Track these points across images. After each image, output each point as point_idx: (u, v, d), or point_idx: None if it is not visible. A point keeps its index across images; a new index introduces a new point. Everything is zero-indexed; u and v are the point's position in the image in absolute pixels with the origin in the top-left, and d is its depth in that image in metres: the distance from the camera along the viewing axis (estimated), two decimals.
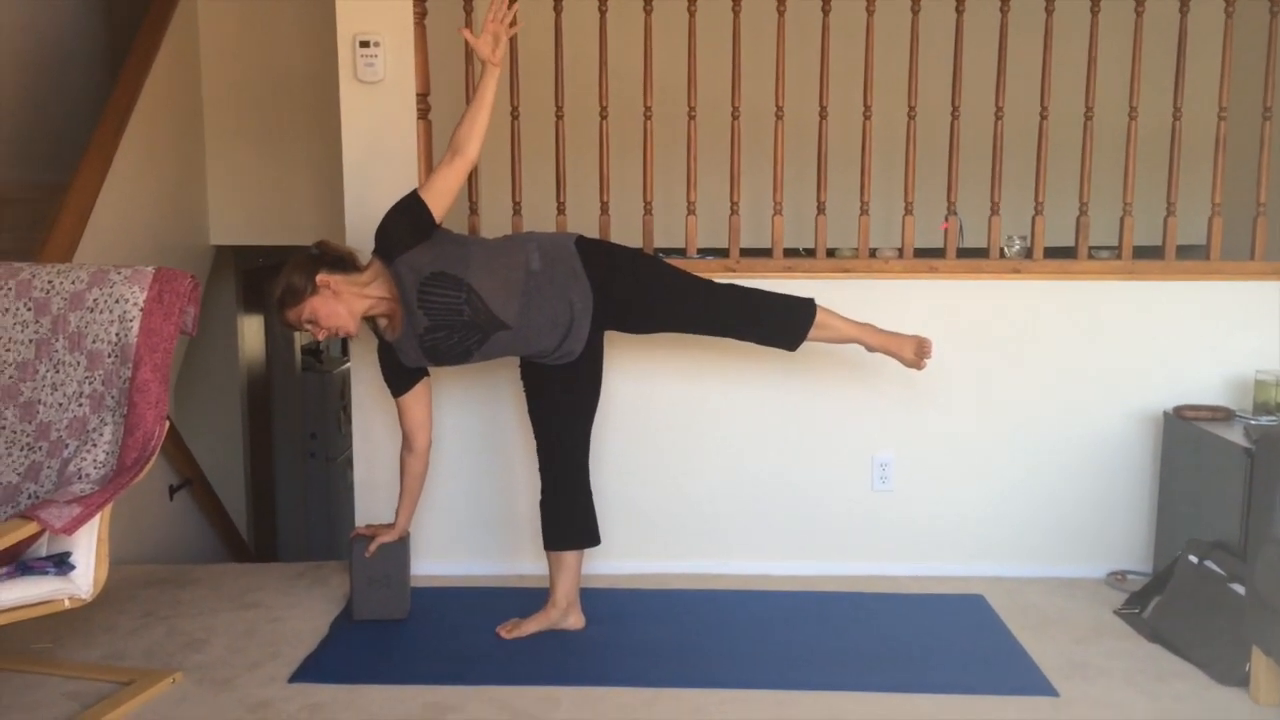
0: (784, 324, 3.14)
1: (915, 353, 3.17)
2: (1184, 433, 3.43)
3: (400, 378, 3.13)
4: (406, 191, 2.96)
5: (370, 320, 3.05)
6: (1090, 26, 3.56)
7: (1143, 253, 3.66)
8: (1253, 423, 3.31)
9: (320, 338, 3.00)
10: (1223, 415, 3.41)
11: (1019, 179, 3.82)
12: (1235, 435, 3.21)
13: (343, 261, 2.97)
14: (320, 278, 2.91)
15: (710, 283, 3.16)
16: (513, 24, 2.96)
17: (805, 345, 3.16)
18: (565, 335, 3.02)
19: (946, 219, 3.63)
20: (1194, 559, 3.17)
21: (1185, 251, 3.69)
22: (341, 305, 2.93)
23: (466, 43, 2.99)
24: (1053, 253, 3.65)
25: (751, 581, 3.59)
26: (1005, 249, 3.67)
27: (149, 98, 4.41)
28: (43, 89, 4.91)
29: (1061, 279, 3.59)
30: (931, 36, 3.63)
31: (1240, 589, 2.91)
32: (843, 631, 3.22)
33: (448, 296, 2.92)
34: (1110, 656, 3.05)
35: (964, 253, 3.66)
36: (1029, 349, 3.62)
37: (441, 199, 2.92)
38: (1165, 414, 3.55)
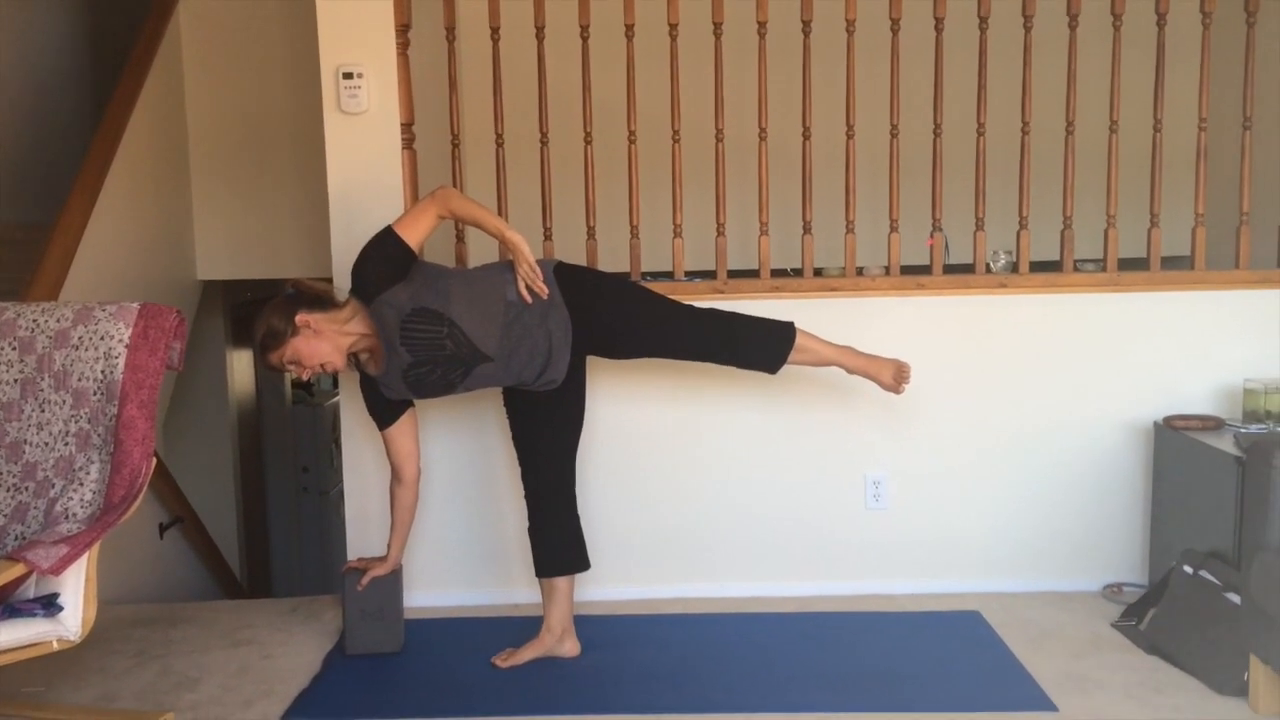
0: (764, 348, 3.14)
1: (894, 377, 3.18)
2: (1175, 443, 3.43)
3: (385, 411, 3.12)
4: (385, 225, 2.94)
5: (352, 356, 3.03)
6: (1069, 41, 3.58)
7: (1128, 265, 3.68)
8: (1243, 431, 3.31)
9: (305, 377, 2.98)
10: (1213, 424, 3.41)
11: (1003, 194, 3.84)
12: (1226, 444, 3.21)
13: (320, 300, 2.95)
14: (300, 317, 2.90)
15: (690, 307, 3.16)
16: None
17: (786, 368, 3.16)
18: (545, 364, 3.01)
19: (932, 235, 3.64)
20: (1189, 569, 3.16)
21: (1170, 262, 3.71)
22: (324, 342, 2.92)
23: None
24: (1038, 267, 3.66)
25: (746, 604, 3.57)
26: (991, 264, 3.68)
27: (134, 135, 4.41)
28: (29, 131, 4.91)
29: (1048, 293, 3.59)
30: (912, 55, 3.65)
31: (1236, 598, 2.91)
32: (840, 652, 3.20)
33: (430, 332, 2.91)
34: (1108, 669, 3.04)
35: (950, 269, 3.67)
36: (1017, 363, 3.62)
37: (416, 234, 2.92)
38: (1155, 424, 3.55)
